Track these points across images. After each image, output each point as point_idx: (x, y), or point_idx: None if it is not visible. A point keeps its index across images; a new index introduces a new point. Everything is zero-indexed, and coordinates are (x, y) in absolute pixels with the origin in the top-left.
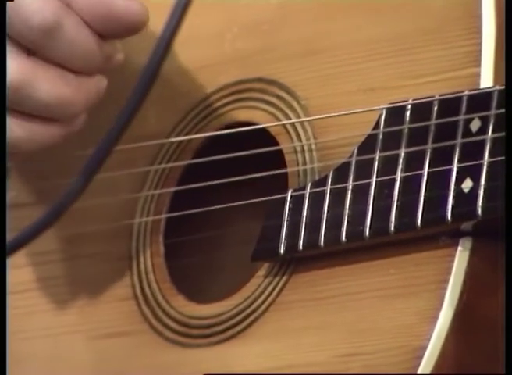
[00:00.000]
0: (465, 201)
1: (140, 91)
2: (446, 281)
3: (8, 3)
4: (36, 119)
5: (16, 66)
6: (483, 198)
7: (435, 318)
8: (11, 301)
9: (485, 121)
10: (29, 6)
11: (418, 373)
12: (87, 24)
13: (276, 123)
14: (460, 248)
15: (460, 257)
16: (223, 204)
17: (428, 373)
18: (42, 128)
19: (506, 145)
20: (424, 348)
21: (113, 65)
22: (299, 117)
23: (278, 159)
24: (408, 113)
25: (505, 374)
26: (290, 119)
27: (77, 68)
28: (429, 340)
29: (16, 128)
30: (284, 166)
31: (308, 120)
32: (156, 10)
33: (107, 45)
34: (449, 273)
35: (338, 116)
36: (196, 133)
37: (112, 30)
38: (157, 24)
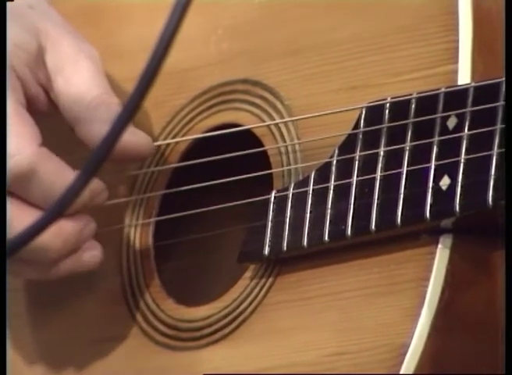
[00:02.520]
0: (443, 198)
1: (140, 91)
2: (427, 279)
3: None
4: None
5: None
6: (461, 195)
7: (417, 315)
8: (8, 306)
9: (461, 118)
10: (8, 148)
11: (402, 369)
12: None
13: (260, 125)
14: (440, 245)
15: (441, 254)
16: (212, 206)
17: (412, 369)
18: (51, 270)
19: (506, 145)
20: (407, 346)
21: (96, 204)
22: (283, 118)
23: (264, 160)
24: (387, 112)
25: (505, 374)
26: (275, 119)
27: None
28: (412, 337)
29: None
30: (270, 166)
31: (292, 120)
32: (156, 10)
33: (90, 187)
34: (430, 271)
35: (319, 116)
36: (183, 135)
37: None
38: (157, 24)
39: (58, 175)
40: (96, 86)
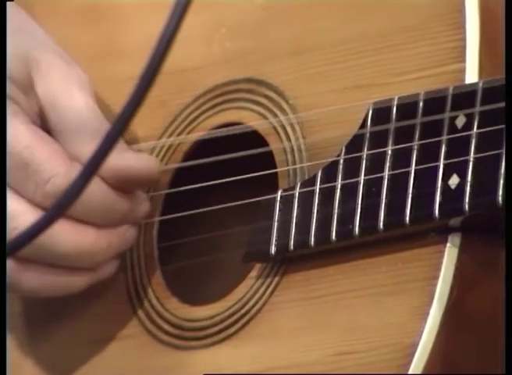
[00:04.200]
0: (452, 197)
1: (140, 91)
2: (436, 277)
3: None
4: (56, 268)
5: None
6: (470, 193)
7: (426, 314)
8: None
9: (470, 117)
10: (39, 166)
11: (411, 369)
12: (104, 181)
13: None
14: (448, 244)
15: (449, 253)
16: (216, 206)
17: (421, 369)
18: (62, 276)
19: (506, 146)
20: (415, 345)
21: (138, 216)
22: (288, 117)
23: (269, 159)
24: (394, 111)
25: (505, 374)
26: (279, 119)
27: (97, 223)
28: (420, 336)
29: (34, 275)
30: (275, 165)
31: (297, 118)
32: (157, 9)
33: (128, 199)
34: (439, 270)
35: (325, 114)
36: (186, 134)
37: (130, 184)
38: (158, 23)
39: (96, 188)
40: (92, 117)
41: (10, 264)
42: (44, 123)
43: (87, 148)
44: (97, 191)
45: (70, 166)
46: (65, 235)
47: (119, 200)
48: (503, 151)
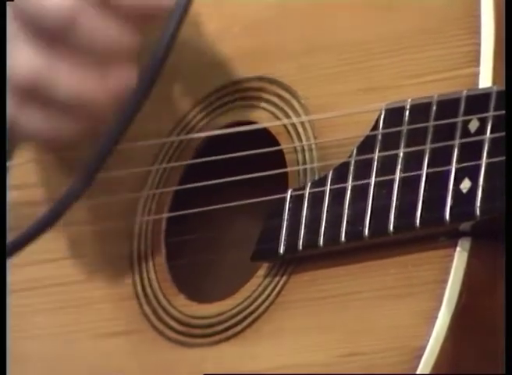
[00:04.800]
0: (463, 201)
1: (142, 89)
2: (445, 281)
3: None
4: (54, 110)
5: (33, 56)
6: (481, 198)
7: (434, 318)
8: (11, 299)
9: (483, 121)
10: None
11: (417, 372)
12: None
13: (276, 123)
14: (458, 248)
15: (459, 257)
16: (225, 204)
17: (428, 373)
18: (60, 119)
19: (506, 145)
20: (423, 349)
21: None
22: (299, 116)
23: (279, 159)
24: (407, 113)
25: (505, 374)
26: (291, 118)
27: (101, 57)
28: (428, 340)
29: (32, 115)
30: (285, 165)
31: (309, 120)
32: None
33: (133, 30)
34: (448, 273)
35: (337, 115)
36: (197, 132)
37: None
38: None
39: (100, 18)
40: None
41: (9, 102)
42: None
43: None
44: (98, 23)
45: None
46: (66, 81)
47: (123, 30)
48: None
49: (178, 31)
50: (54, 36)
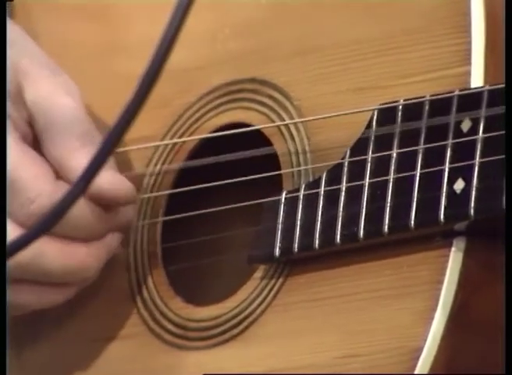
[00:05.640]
0: (457, 201)
1: (141, 92)
2: (441, 282)
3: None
4: (45, 285)
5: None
6: (475, 198)
7: (431, 318)
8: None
9: (475, 121)
10: (24, 186)
11: (416, 372)
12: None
13: (269, 125)
14: (453, 248)
15: (454, 257)
16: (220, 206)
17: (426, 372)
18: (51, 292)
19: (506, 145)
20: (420, 349)
21: (123, 223)
22: (292, 118)
23: (274, 161)
24: (400, 114)
25: (505, 374)
26: (284, 119)
27: (82, 237)
28: (425, 340)
29: (24, 294)
30: (280, 166)
31: (302, 121)
32: (161, 7)
33: (111, 209)
34: (444, 274)
35: (331, 117)
36: (190, 134)
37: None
38: (160, 21)
39: (85, 207)
40: (77, 123)
41: None
42: (33, 131)
43: (71, 154)
44: (78, 206)
45: (56, 186)
46: (53, 254)
47: (102, 212)
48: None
49: (179, 31)
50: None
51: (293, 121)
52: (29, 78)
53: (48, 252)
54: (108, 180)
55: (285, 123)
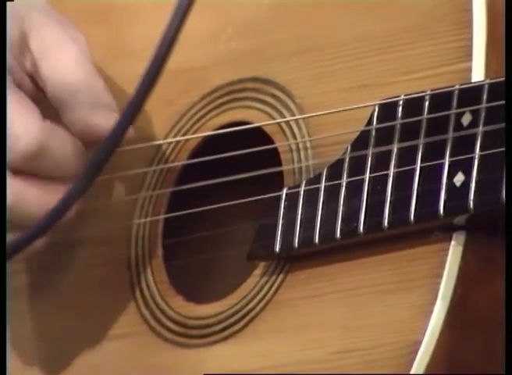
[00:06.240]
0: (457, 195)
1: (143, 91)
2: (440, 275)
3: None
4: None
5: (6, 187)
6: (475, 191)
7: (430, 312)
8: (10, 305)
9: (476, 115)
10: (13, 130)
11: (414, 366)
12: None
13: (271, 122)
14: (453, 242)
15: (454, 251)
16: (221, 204)
17: (424, 366)
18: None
19: (506, 145)
20: (419, 343)
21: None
22: (294, 116)
23: (275, 158)
24: (400, 109)
25: (505, 374)
26: (285, 117)
27: (68, 177)
28: (424, 334)
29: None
30: (281, 164)
31: (303, 118)
32: (163, 9)
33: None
34: (443, 268)
35: (331, 113)
36: (192, 134)
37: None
38: (159, 24)
39: (69, 145)
40: (81, 69)
41: None
42: (34, 82)
43: (82, 114)
44: (65, 150)
45: (42, 124)
46: (35, 198)
47: (84, 152)
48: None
49: (180, 30)
50: (21, 167)
51: (295, 118)
52: (34, 27)
53: (29, 197)
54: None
55: (286, 119)
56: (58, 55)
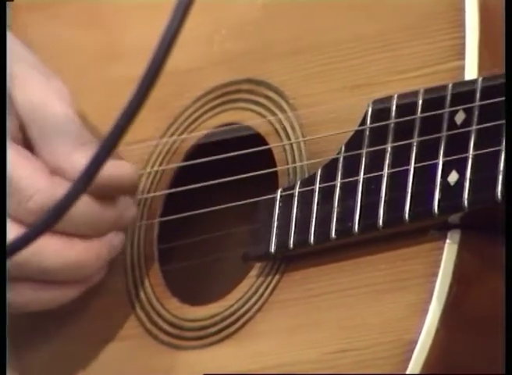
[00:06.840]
0: (451, 193)
1: (142, 92)
2: (435, 274)
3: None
4: (44, 283)
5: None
6: (469, 190)
7: (425, 311)
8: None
9: (469, 113)
10: (20, 184)
11: (410, 365)
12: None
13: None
14: (448, 240)
15: (449, 250)
16: (216, 206)
17: (420, 365)
18: (51, 291)
19: (506, 144)
20: (415, 342)
21: (125, 222)
22: (288, 116)
23: (269, 160)
24: (394, 108)
25: (505, 374)
26: (279, 119)
27: (83, 234)
28: (420, 333)
29: (23, 293)
30: (276, 166)
31: (297, 118)
32: (159, 11)
33: (113, 206)
34: (438, 266)
35: (325, 113)
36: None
37: (111, 192)
38: (159, 26)
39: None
40: (71, 127)
41: None
42: (24, 136)
43: (68, 156)
44: (80, 203)
45: (52, 182)
46: (52, 251)
47: (103, 209)
48: (502, 147)
49: (179, 31)
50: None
51: (288, 118)
52: (18, 83)
53: (47, 249)
54: (107, 167)
55: (280, 121)
56: (44, 110)
